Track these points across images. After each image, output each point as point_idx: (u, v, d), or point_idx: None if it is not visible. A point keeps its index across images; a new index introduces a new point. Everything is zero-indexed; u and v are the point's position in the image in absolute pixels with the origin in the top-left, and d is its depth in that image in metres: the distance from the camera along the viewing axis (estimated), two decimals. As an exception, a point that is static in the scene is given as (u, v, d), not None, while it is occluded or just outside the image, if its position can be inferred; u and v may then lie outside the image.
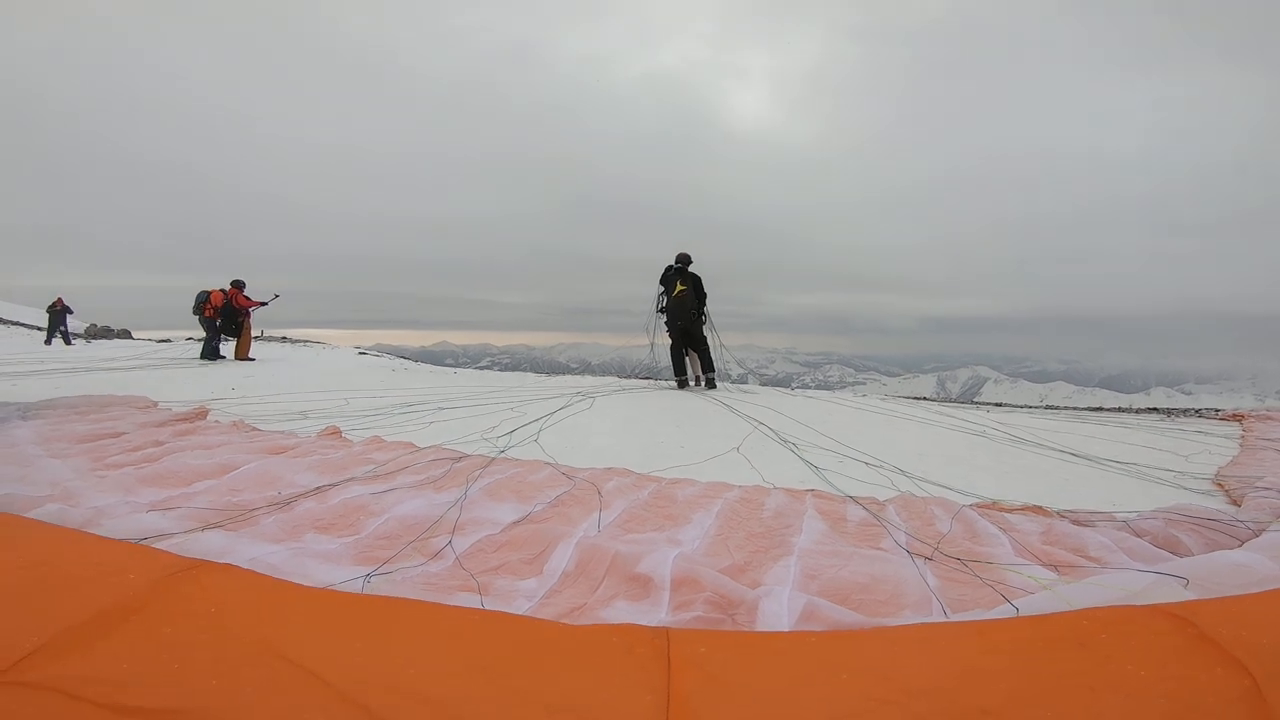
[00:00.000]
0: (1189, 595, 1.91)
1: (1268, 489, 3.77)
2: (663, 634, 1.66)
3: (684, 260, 9.34)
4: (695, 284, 9.17)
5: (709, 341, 9.24)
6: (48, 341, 20.93)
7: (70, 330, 22.63)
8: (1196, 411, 8.23)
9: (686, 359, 9.35)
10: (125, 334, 27.49)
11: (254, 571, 1.94)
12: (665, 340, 9.50)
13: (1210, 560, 2.20)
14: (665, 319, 9.36)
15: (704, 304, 9.27)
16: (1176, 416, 7.91)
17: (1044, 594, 2.04)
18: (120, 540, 2.12)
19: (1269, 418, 7.10)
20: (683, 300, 9.00)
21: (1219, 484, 4.44)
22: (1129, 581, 2.01)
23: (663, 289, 9.44)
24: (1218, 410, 8.19)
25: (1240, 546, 2.65)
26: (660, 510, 3.26)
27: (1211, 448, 5.69)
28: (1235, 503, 3.93)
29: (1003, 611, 1.98)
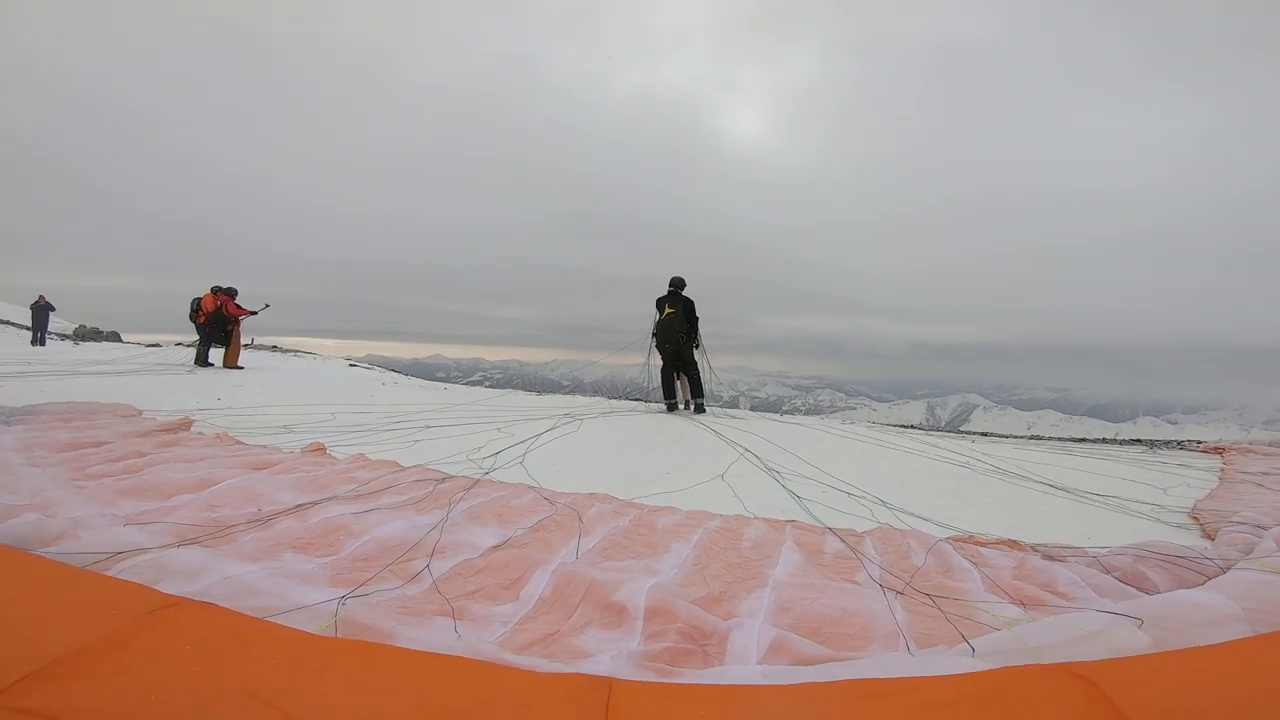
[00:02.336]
0: (1143, 636, 1.95)
1: (1241, 524, 3.80)
2: (604, 685, 1.69)
3: (676, 284, 9.43)
4: (686, 308, 9.23)
5: (699, 366, 9.29)
6: (36, 342, 20.74)
7: (51, 331, 22.41)
8: (1179, 443, 8.26)
9: (677, 382, 9.40)
10: (114, 336, 27.32)
11: (233, 611, 1.94)
12: (659, 362, 9.55)
13: (1168, 600, 2.24)
14: (655, 342, 9.41)
15: (695, 328, 9.32)
16: (1159, 448, 7.93)
17: (1003, 633, 2.08)
18: (107, 576, 2.12)
19: (1250, 451, 7.13)
20: (670, 323, 9.07)
21: (1194, 517, 4.47)
22: (1086, 621, 2.04)
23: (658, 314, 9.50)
24: (1200, 442, 8.23)
25: (1204, 584, 2.68)
26: (640, 538, 3.27)
27: (1190, 480, 5.73)
28: (1209, 536, 3.98)
29: (961, 650, 2.01)
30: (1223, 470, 6.18)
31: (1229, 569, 2.88)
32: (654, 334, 9.46)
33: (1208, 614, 2.08)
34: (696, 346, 9.35)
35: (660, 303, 9.41)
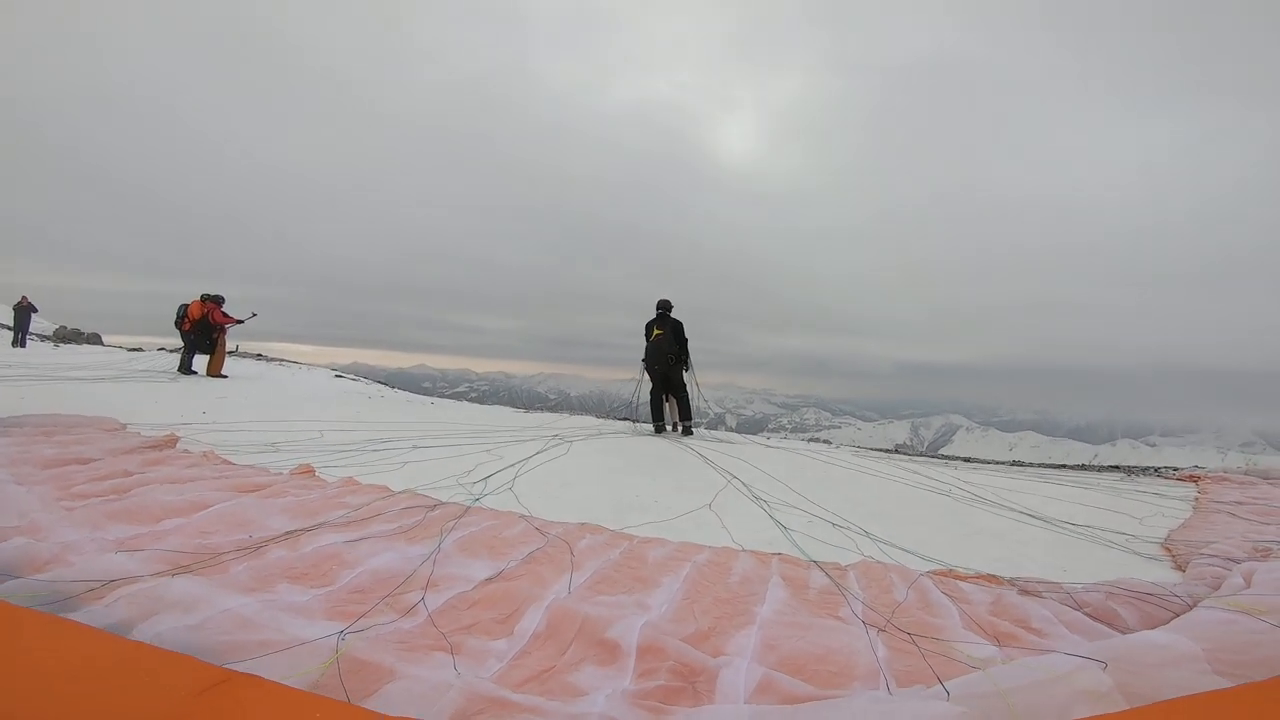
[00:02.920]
0: (1107, 678, 2.04)
1: (1213, 556, 3.90)
2: None
3: (664, 306, 9.58)
4: (675, 330, 9.35)
5: (688, 389, 9.38)
6: (17, 343, 20.43)
7: (32, 332, 22.12)
8: (1155, 470, 8.40)
9: (666, 405, 9.48)
10: (95, 339, 26.96)
11: (283, 685, 1.94)
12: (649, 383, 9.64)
13: (1132, 641, 2.32)
14: (644, 364, 9.49)
15: (684, 349, 9.43)
16: (1137, 476, 8.07)
17: (977, 674, 2.16)
18: (146, 644, 2.10)
19: (1224, 479, 7.22)
20: (659, 345, 9.18)
21: (1167, 548, 4.56)
22: (1055, 664, 2.12)
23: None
24: (1176, 469, 8.37)
25: (1170, 622, 2.78)
26: (631, 572, 3.32)
27: (1165, 510, 5.84)
28: (1180, 568, 4.08)
29: (937, 692, 2.09)
30: (1197, 499, 6.29)
31: (1196, 605, 2.98)
32: (643, 357, 9.56)
33: (1169, 655, 2.17)
34: (686, 369, 9.45)
35: (649, 326, 9.54)
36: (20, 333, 20.94)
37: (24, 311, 21.05)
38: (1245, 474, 7.56)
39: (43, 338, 25.13)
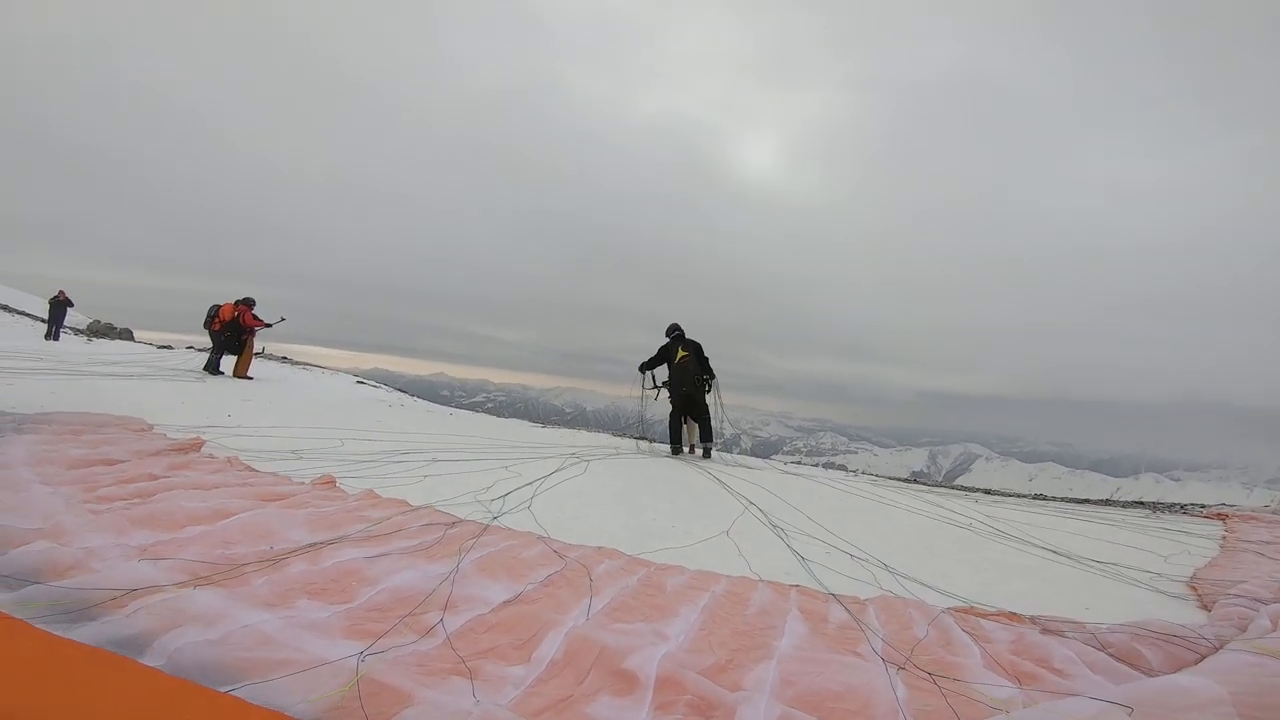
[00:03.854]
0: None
1: (1239, 596, 3.82)
2: None
3: (677, 329, 9.66)
4: (696, 350, 9.36)
5: (710, 411, 9.36)
6: (50, 336, 20.82)
7: (66, 325, 22.55)
8: (1181, 507, 8.26)
9: (684, 427, 9.46)
10: (127, 334, 27.43)
11: None
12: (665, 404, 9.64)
13: (1157, 685, 2.26)
14: (668, 387, 9.48)
15: (707, 369, 9.42)
16: (1162, 512, 7.92)
17: (998, 717, 2.12)
18: (213, 690, 2.07)
19: (1253, 518, 7.09)
20: (685, 367, 9.17)
21: (1193, 587, 4.48)
22: (1078, 708, 2.07)
23: (655, 360, 9.68)
24: (1203, 506, 8.22)
25: (1196, 663, 2.72)
26: (648, 600, 3.29)
27: (1191, 548, 5.74)
28: (1205, 608, 4.00)
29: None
30: (1224, 537, 6.17)
31: (1222, 648, 2.92)
32: (665, 381, 9.56)
33: (1195, 699, 2.10)
34: (708, 390, 9.45)
35: (666, 349, 9.54)
36: (55, 326, 21.36)
37: (60, 306, 21.50)
38: (1274, 512, 7.43)
39: (76, 331, 25.62)
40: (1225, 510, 7.71)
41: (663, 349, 9.62)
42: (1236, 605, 3.66)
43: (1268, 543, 5.70)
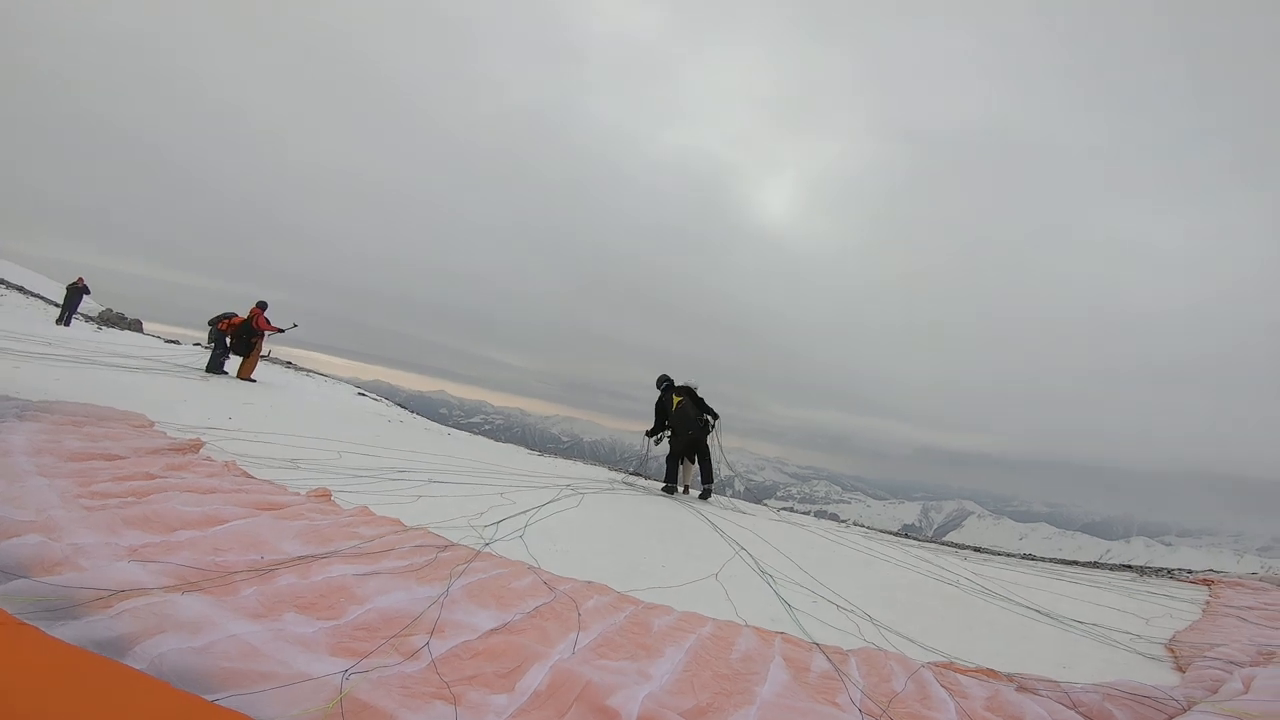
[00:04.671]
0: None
1: (1215, 659, 3.92)
2: None
3: (667, 380, 9.89)
4: (690, 394, 9.53)
5: (711, 454, 9.43)
6: (62, 321, 20.88)
7: (79, 313, 22.67)
8: (1169, 572, 8.29)
9: (681, 468, 9.51)
10: (136, 325, 27.55)
11: None
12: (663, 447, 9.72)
13: None
14: (670, 431, 9.56)
15: (706, 412, 9.51)
16: (1149, 576, 7.94)
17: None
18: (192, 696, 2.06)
19: (1239, 584, 7.14)
20: (685, 412, 9.30)
21: (1171, 649, 4.58)
22: None
23: (658, 424, 9.82)
24: (1190, 572, 8.25)
25: None
26: (635, 638, 3.28)
27: (1174, 611, 5.82)
28: (1181, 670, 4.10)
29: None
30: (1208, 602, 6.25)
31: (1190, 709, 3.05)
32: (666, 424, 9.62)
33: None
34: (710, 430, 9.54)
35: (664, 402, 9.69)
36: (68, 312, 21.46)
37: (77, 293, 21.65)
38: (1261, 579, 7.49)
39: (88, 319, 25.76)
40: (1212, 576, 7.76)
41: (660, 406, 9.76)
42: (1211, 668, 3.77)
43: (1250, 608, 5.78)
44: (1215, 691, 3.29)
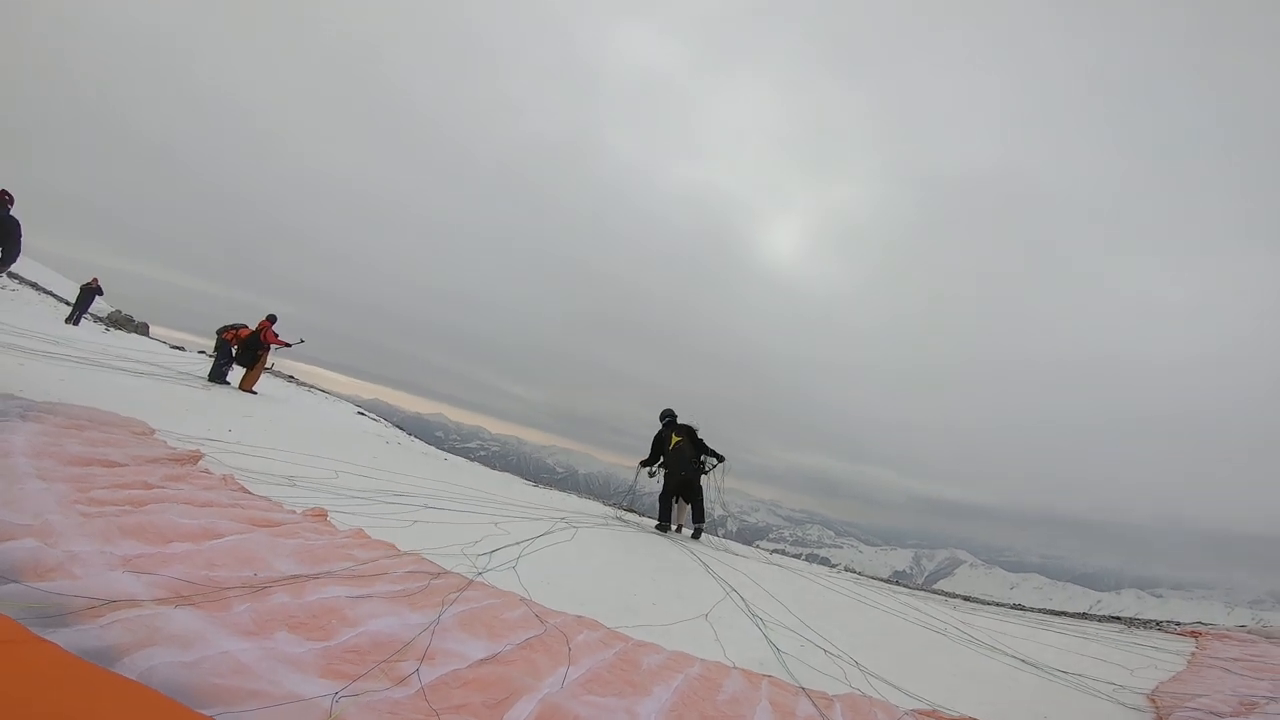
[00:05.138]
0: None
1: (1195, 710, 4.00)
2: None
3: (670, 415, 9.87)
4: (690, 434, 9.53)
5: (704, 494, 9.42)
6: (72, 321, 20.86)
7: (89, 313, 22.67)
8: (1156, 624, 8.22)
9: (675, 506, 9.50)
10: (144, 329, 27.58)
11: None
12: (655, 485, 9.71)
13: None
14: (665, 470, 9.58)
15: (702, 453, 9.54)
16: (1137, 628, 7.88)
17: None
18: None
19: (1226, 637, 7.09)
20: (680, 451, 9.32)
21: (1153, 700, 4.61)
22: None
23: (653, 456, 9.83)
24: (1178, 623, 8.17)
25: None
26: (623, 675, 3.27)
27: (1159, 662, 5.81)
28: (1161, 719, 4.18)
29: None
30: (1193, 654, 6.23)
31: None
32: (662, 463, 9.63)
33: None
34: (706, 471, 9.55)
35: (661, 437, 9.72)
36: (78, 311, 21.47)
37: (90, 293, 21.68)
38: (1249, 632, 7.45)
39: (96, 319, 25.80)
40: (1200, 628, 7.69)
41: (657, 440, 9.78)
42: (1191, 716, 3.86)
43: (1236, 659, 5.77)
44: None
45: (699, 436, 9.62)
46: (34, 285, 28.24)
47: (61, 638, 2.31)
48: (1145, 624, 8.23)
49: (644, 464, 9.92)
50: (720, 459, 9.59)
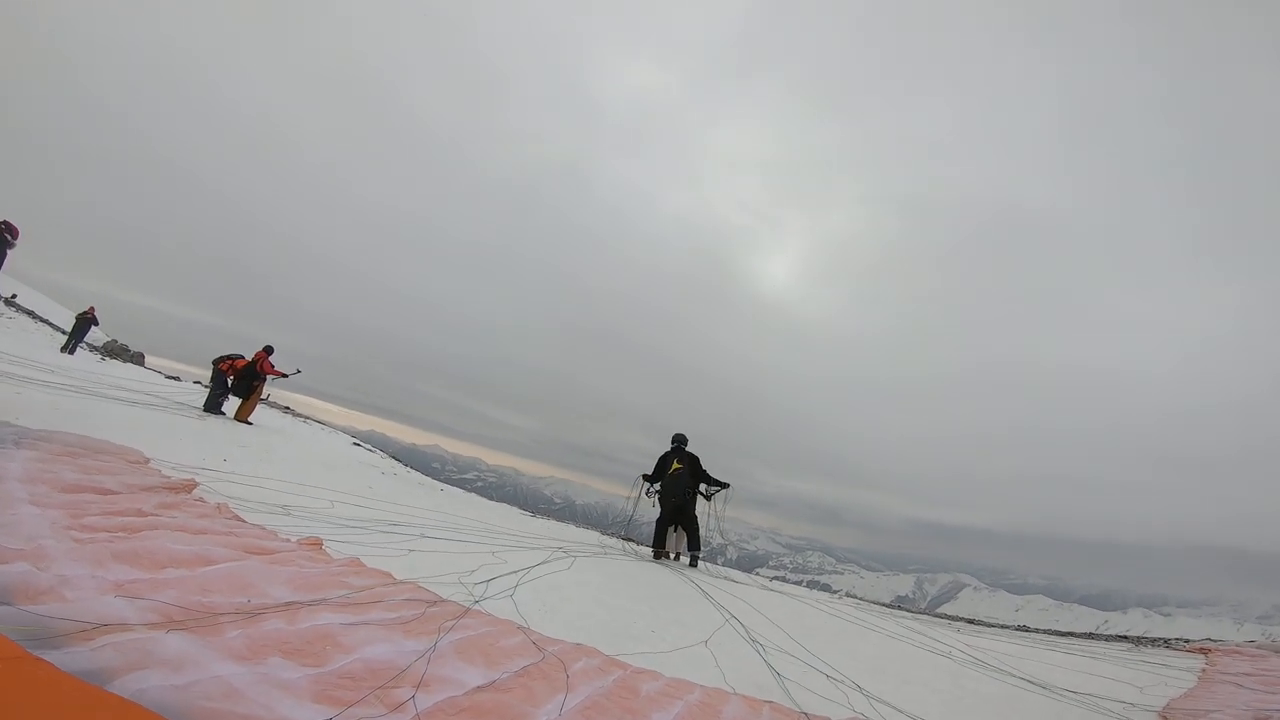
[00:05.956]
0: None
1: None
2: None
3: (680, 440, 9.89)
4: (691, 463, 9.54)
5: (700, 521, 9.40)
6: (67, 350, 20.84)
7: (85, 342, 22.70)
8: (1165, 641, 8.14)
9: (672, 534, 9.46)
10: (139, 358, 27.60)
11: None
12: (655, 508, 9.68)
13: None
14: (659, 495, 9.59)
15: (704, 481, 9.57)
16: (1145, 646, 7.81)
17: None
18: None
19: (1237, 653, 7.04)
20: (678, 478, 9.36)
21: (1164, 716, 4.59)
22: None
23: (655, 473, 9.87)
24: (1187, 641, 8.09)
25: None
26: (621, 702, 3.22)
27: (1169, 680, 5.75)
28: None
29: None
30: (1204, 670, 6.18)
31: None
32: (658, 489, 9.63)
33: None
34: (709, 497, 9.60)
35: (664, 459, 9.77)
36: (74, 340, 21.49)
37: (86, 322, 21.73)
38: (1259, 647, 7.41)
39: (92, 348, 25.80)
40: (1209, 645, 7.62)
41: (662, 460, 9.82)
42: None
43: (1248, 674, 5.74)
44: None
45: (701, 467, 9.63)
46: (30, 313, 28.26)
47: (52, 659, 2.30)
48: (1154, 642, 8.18)
49: (646, 478, 9.94)
50: (724, 486, 9.61)
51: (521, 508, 14.28)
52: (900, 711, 4.14)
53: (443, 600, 4.26)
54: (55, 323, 28.42)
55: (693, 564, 9.20)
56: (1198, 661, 6.69)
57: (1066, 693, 5.10)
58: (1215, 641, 7.90)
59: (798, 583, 12.05)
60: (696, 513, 9.43)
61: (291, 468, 9.33)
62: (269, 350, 14.43)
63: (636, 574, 7.60)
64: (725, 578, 8.86)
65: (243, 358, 14.25)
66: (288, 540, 4.85)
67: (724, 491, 9.64)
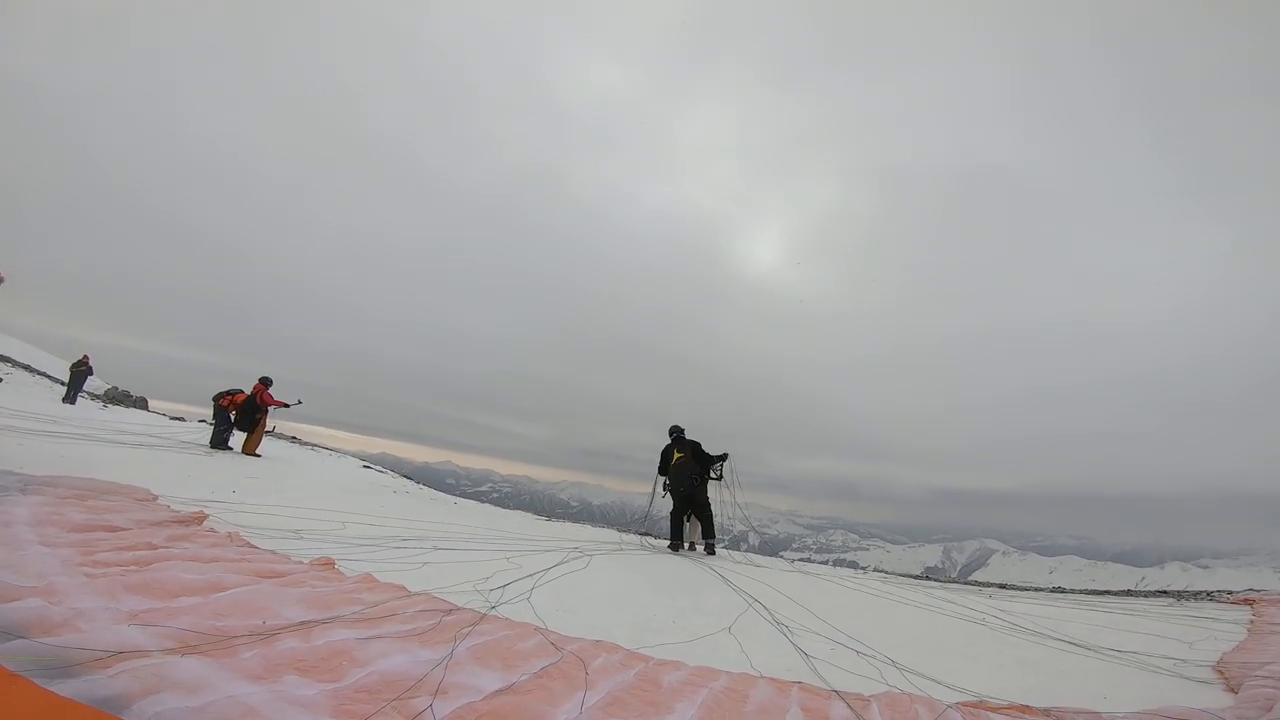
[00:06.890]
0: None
1: (1266, 678, 3.79)
2: None
3: (678, 430, 9.92)
4: (694, 449, 9.55)
5: (711, 507, 9.40)
6: (68, 400, 20.95)
7: (84, 391, 22.80)
8: (1208, 594, 8.06)
9: (686, 524, 9.44)
10: (142, 403, 27.68)
11: None
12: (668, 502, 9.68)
13: None
14: (668, 486, 9.63)
15: (708, 466, 9.58)
16: (1187, 600, 7.72)
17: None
18: None
19: None
20: (681, 467, 9.35)
21: (1220, 671, 4.43)
22: None
23: (662, 467, 9.91)
24: (1230, 593, 8.01)
25: None
26: (644, 695, 3.18)
27: (1218, 634, 5.63)
28: (1233, 690, 3.96)
29: None
30: (1252, 622, 6.07)
31: None
32: (666, 481, 9.65)
33: None
34: (719, 478, 9.62)
35: (667, 451, 9.77)
36: (73, 391, 21.61)
37: (81, 373, 21.85)
38: None
39: (93, 397, 25.88)
40: (1254, 595, 7.52)
41: (664, 453, 9.85)
42: (1264, 687, 3.64)
43: None
44: (1270, 710, 3.21)
45: (703, 450, 9.62)
46: (27, 368, 28.35)
47: (69, 689, 2.30)
48: (1196, 595, 8.09)
49: (662, 471, 9.99)
50: (722, 458, 9.65)
51: (536, 514, 14.28)
52: (937, 682, 4.04)
53: (458, 609, 4.23)
54: (53, 375, 28.53)
55: (710, 551, 9.17)
56: (1244, 613, 6.59)
57: (1112, 652, 4.98)
58: (1259, 592, 7.81)
59: (823, 562, 12.02)
60: (709, 499, 9.42)
61: (302, 494, 9.34)
62: (266, 382, 14.44)
63: (655, 567, 7.58)
64: (747, 563, 8.85)
65: (242, 392, 14.29)
66: (300, 563, 4.83)
67: (724, 462, 9.67)
